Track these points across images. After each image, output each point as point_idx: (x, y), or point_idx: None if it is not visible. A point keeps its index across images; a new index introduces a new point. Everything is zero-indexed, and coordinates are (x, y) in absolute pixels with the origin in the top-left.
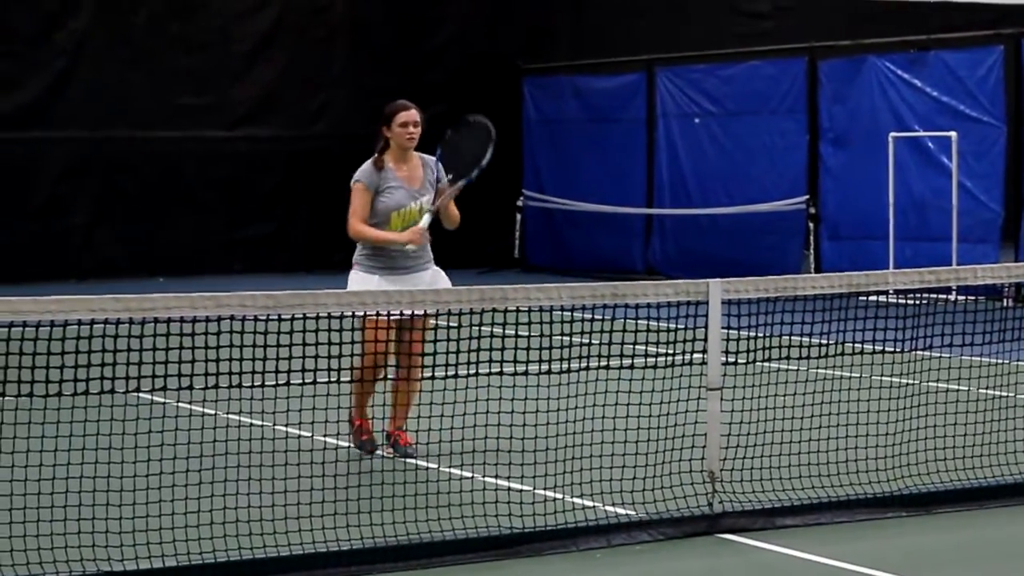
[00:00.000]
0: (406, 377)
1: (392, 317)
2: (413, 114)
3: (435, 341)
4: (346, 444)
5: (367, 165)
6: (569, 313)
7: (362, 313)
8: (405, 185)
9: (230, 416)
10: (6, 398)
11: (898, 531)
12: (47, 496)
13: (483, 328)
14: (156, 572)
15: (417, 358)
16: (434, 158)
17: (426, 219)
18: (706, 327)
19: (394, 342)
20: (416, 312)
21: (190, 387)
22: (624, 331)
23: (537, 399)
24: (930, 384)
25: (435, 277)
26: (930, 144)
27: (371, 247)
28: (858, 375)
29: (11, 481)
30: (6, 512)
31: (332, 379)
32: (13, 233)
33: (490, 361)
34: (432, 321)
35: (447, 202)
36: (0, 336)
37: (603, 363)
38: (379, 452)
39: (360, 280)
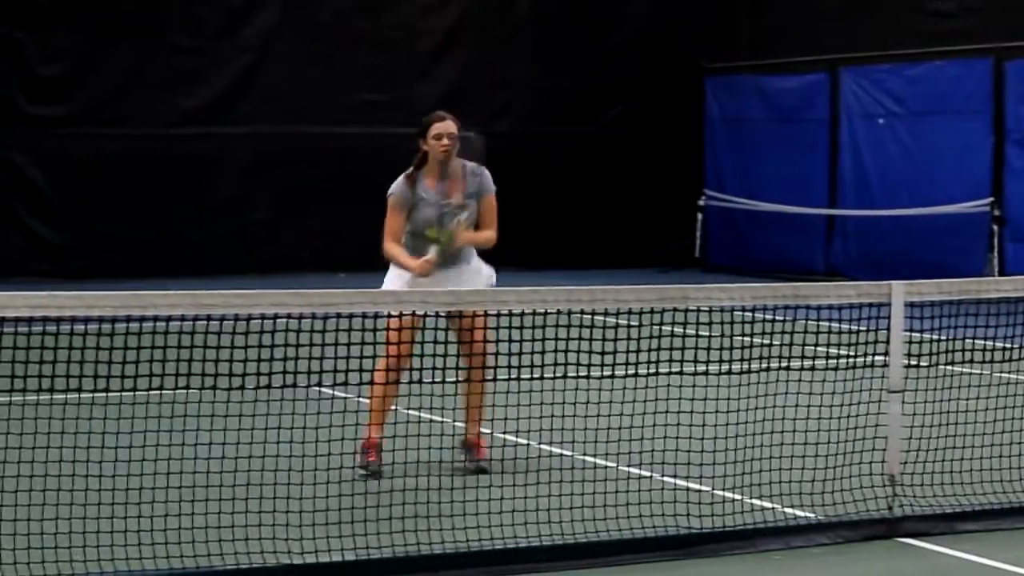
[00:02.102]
0: (472, 379)
1: (417, 315)
2: (449, 125)
3: (616, 339)
4: (525, 441)
5: (400, 180)
6: (750, 313)
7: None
8: (439, 199)
9: (409, 412)
10: (190, 390)
11: None
12: (228, 488)
13: (663, 327)
14: (335, 566)
15: (479, 357)
16: (479, 166)
17: (432, 251)
18: (888, 329)
19: (455, 343)
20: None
21: (371, 382)
22: (805, 332)
23: (717, 399)
24: None
25: (473, 275)
26: None
27: (408, 245)
28: None
29: (194, 473)
30: (188, 503)
31: (512, 376)
32: (198, 227)
33: (670, 360)
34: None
35: (487, 219)
36: (185, 329)
37: (783, 364)
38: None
39: (393, 277)
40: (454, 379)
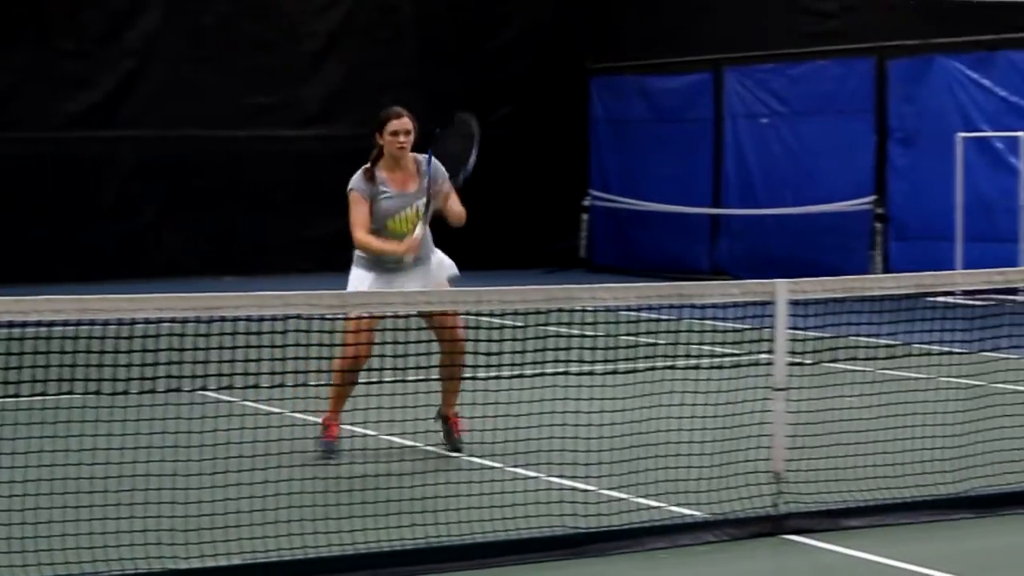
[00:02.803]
0: (450, 364)
1: (375, 316)
2: (405, 122)
3: (501, 340)
4: (412, 443)
5: (358, 174)
6: (635, 313)
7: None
8: (397, 191)
9: (295, 415)
10: (73, 396)
11: (964, 533)
12: (113, 494)
13: (549, 328)
14: (221, 570)
15: (459, 344)
16: (428, 156)
17: (418, 229)
18: (772, 327)
19: (434, 339)
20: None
21: (256, 386)
22: (690, 331)
23: (603, 399)
24: (997, 385)
25: (434, 268)
26: (998, 144)
27: None
28: (925, 376)
29: (78, 479)
30: (72, 509)
31: (397, 378)
32: (84, 231)
33: (556, 361)
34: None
35: (446, 203)
36: (68, 334)
37: (669, 363)
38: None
39: (358, 277)
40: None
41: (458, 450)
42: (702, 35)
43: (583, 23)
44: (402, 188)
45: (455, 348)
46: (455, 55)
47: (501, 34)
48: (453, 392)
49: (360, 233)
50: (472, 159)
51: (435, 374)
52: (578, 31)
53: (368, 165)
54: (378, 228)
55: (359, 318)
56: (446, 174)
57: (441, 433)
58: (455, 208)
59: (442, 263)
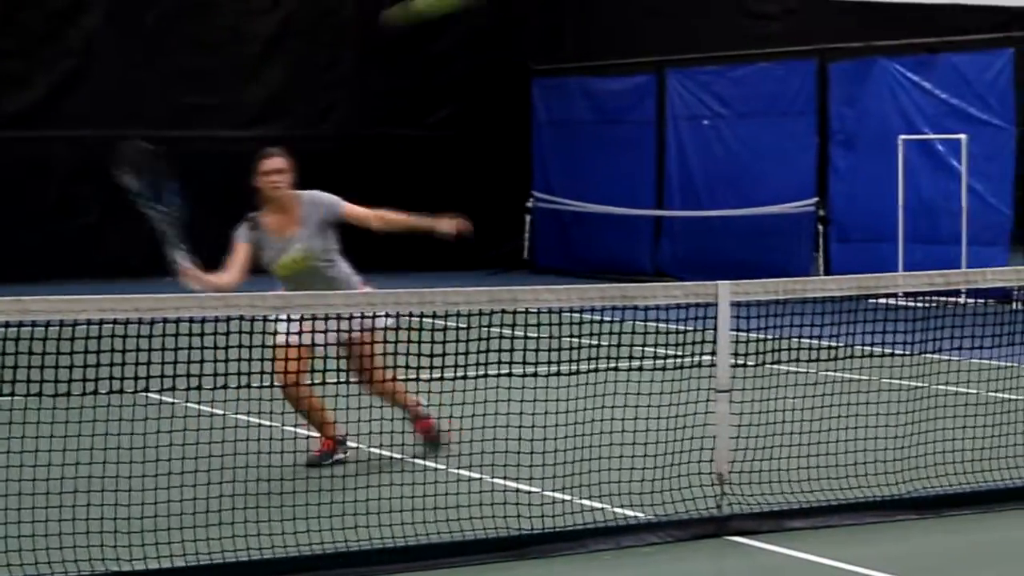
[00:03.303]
0: (370, 389)
1: (303, 344)
2: (275, 162)
3: (444, 342)
4: (354, 444)
5: (243, 224)
6: (578, 315)
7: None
8: (274, 235)
9: (239, 416)
10: (15, 397)
11: (907, 534)
12: (55, 496)
13: (492, 329)
14: (164, 572)
15: (377, 371)
16: (314, 192)
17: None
18: (715, 329)
19: (345, 358)
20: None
21: (199, 387)
22: (633, 333)
23: (546, 400)
24: (939, 387)
25: (341, 286)
26: (940, 147)
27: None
28: (867, 378)
29: (20, 480)
30: (14, 511)
31: (342, 379)
32: (24, 232)
33: (499, 363)
34: (378, 335)
35: (365, 222)
36: (10, 336)
37: (612, 365)
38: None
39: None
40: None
41: (446, 444)
42: (645, 37)
43: (526, 24)
44: (280, 233)
45: (368, 375)
46: (397, 56)
47: (443, 35)
48: (404, 404)
49: (222, 274)
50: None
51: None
52: (521, 32)
53: (252, 214)
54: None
55: (287, 346)
56: (336, 200)
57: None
58: (378, 218)
59: (349, 281)
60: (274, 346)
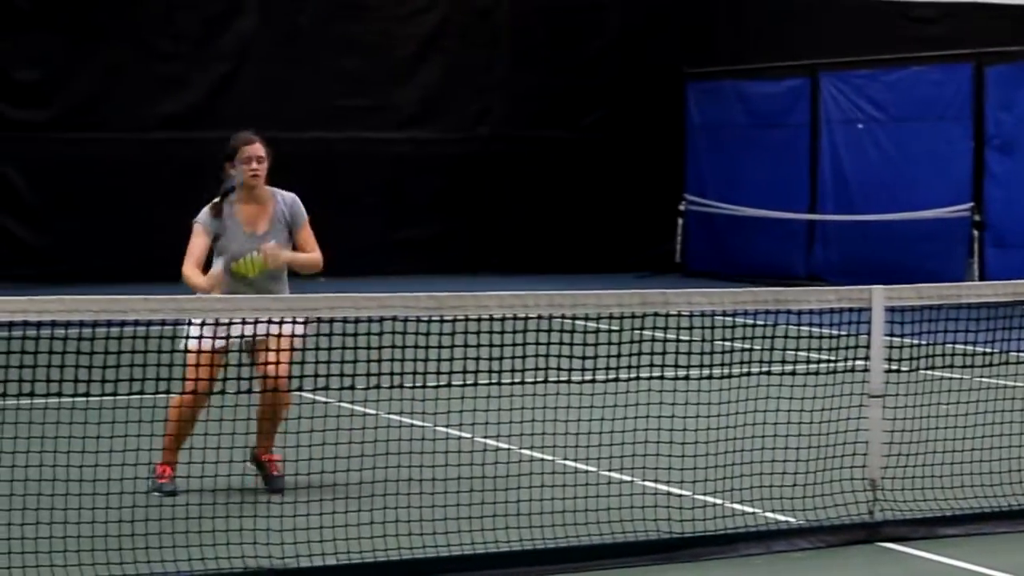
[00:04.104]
0: (272, 403)
1: (217, 349)
2: (257, 148)
3: (596, 344)
4: (506, 446)
5: (206, 208)
6: (731, 318)
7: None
8: (245, 227)
9: (391, 416)
10: (144, 396)
11: None
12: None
13: (644, 332)
14: (316, 571)
15: (283, 380)
16: (292, 195)
17: (217, 266)
18: (868, 334)
19: (249, 365)
20: (260, 333)
21: (352, 387)
22: (786, 337)
23: (698, 404)
24: None
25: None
26: None
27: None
28: (1022, 384)
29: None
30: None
31: (493, 381)
32: (179, 233)
33: (651, 365)
34: (293, 340)
35: (297, 246)
36: (167, 333)
37: (764, 369)
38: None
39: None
40: (435, 384)
41: (280, 490)
42: (798, 40)
43: (679, 27)
44: (252, 226)
45: (270, 383)
46: (550, 59)
47: (596, 38)
48: (270, 433)
49: (187, 266)
50: None
51: (529, 377)
52: (674, 35)
53: (216, 199)
54: (227, 267)
55: (200, 351)
56: (305, 216)
57: (261, 477)
58: (302, 257)
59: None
60: (185, 351)
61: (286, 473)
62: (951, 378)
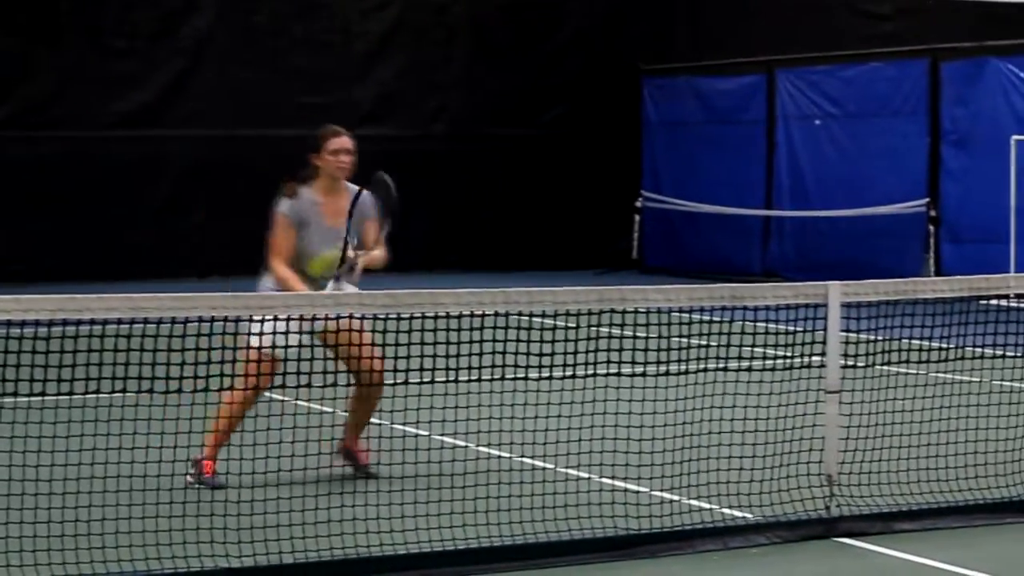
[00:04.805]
0: (368, 396)
1: (277, 353)
2: (346, 141)
3: (553, 341)
4: (463, 443)
5: (284, 198)
6: (687, 315)
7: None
8: (327, 220)
9: (348, 414)
10: (127, 394)
11: (1016, 537)
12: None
13: (601, 329)
14: (273, 569)
15: (376, 374)
16: (363, 190)
17: (330, 284)
18: (825, 330)
19: (340, 358)
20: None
21: (308, 385)
22: (742, 333)
23: (655, 400)
24: None
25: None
26: None
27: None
28: (978, 379)
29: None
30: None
31: (450, 378)
32: (134, 231)
33: (608, 362)
34: (365, 324)
35: (369, 244)
36: (123, 332)
37: (721, 365)
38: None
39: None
40: (391, 382)
41: (374, 476)
42: (755, 37)
43: (636, 25)
44: (333, 221)
45: (375, 378)
46: (508, 56)
47: (554, 35)
48: (364, 425)
49: (277, 263)
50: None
51: (486, 375)
52: (631, 32)
53: (295, 187)
54: (303, 255)
55: (261, 347)
56: (372, 207)
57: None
58: (377, 253)
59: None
60: (246, 359)
61: (243, 472)
62: (907, 373)
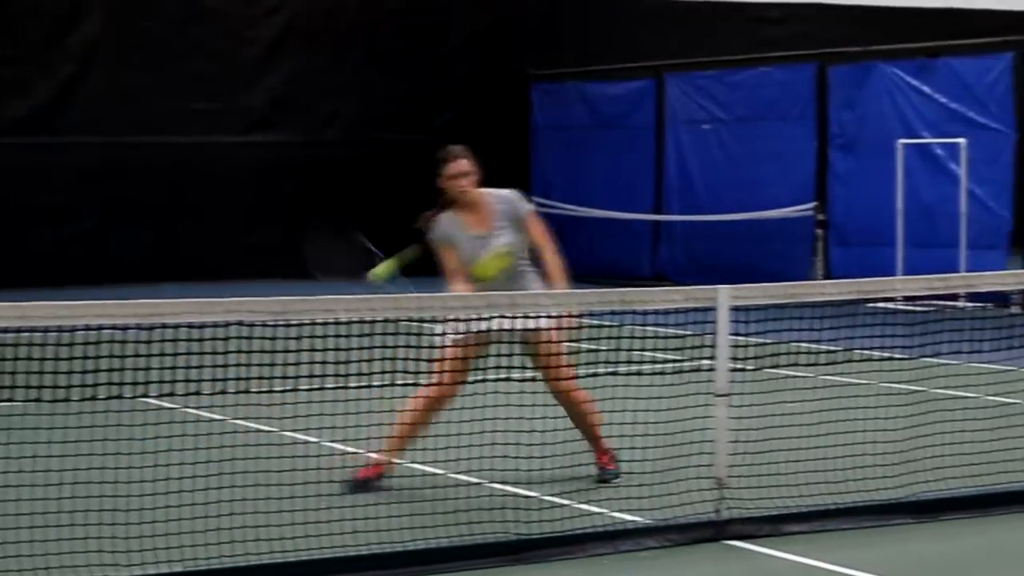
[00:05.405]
0: (570, 411)
1: (479, 331)
2: (463, 164)
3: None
4: (353, 450)
5: (433, 223)
6: (577, 319)
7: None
8: (471, 230)
9: (238, 421)
10: (14, 403)
11: (905, 538)
12: (54, 501)
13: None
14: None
15: (566, 384)
16: (510, 191)
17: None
18: (714, 333)
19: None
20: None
21: (197, 392)
22: (632, 337)
23: (545, 405)
24: (938, 391)
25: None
26: (939, 151)
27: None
28: (866, 382)
29: (18, 487)
30: (12, 517)
31: (340, 385)
32: (25, 238)
33: (497, 367)
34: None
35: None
36: (8, 341)
37: (611, 369)
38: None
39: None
40: (280, 388)
41: (613, 477)
42: (644, 42)
43: (525, 30)
44: (478, 229)
45: (569, 402)
46: (398, 62)
47: (444, 41)
48: (591, 438)
49: (454, 284)
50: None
51: (376, 380)
52: (520, 38)
53: (435, 211)
54: (471, 277)
55: (456, 334)
56: (527, 208)
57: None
58: (560, 271)
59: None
60: (440, 358)
61: (144, 480)
62: (796, 376)
